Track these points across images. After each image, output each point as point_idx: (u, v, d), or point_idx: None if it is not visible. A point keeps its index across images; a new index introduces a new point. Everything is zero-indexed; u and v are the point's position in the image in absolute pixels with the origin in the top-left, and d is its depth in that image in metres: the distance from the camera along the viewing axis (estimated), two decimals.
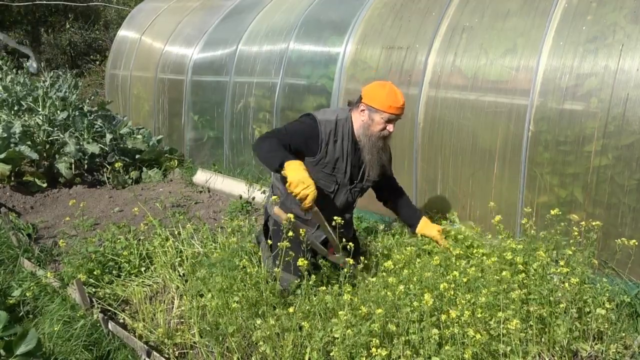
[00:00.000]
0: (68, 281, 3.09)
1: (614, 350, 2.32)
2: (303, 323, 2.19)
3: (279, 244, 2.37)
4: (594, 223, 2.67)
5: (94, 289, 3.09)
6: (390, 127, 2.61)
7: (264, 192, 4.57)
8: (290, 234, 2.36)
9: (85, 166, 5.90)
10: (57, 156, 5.57)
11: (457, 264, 2.65)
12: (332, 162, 2.64)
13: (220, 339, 2.41)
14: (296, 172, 2.33)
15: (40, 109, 5.79)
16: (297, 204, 2.44)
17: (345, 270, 2.39)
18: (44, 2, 13.65)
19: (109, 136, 5.84)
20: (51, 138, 5.61)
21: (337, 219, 2.47)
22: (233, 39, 5.90)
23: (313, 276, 2.40)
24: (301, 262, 2.27)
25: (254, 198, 4.75)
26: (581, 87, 3.23)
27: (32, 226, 4.26)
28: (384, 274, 2.55)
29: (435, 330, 2.06)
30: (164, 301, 2.98)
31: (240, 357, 2.38)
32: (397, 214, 3.11)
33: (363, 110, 2.62)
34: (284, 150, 2.46)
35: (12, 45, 12.38)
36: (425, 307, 2.10)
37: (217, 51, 6.07)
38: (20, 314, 3.02)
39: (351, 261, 2.46)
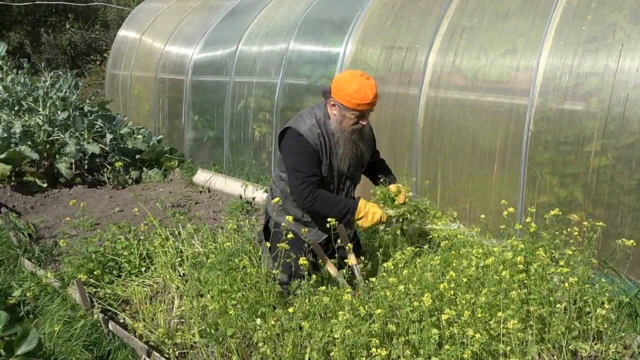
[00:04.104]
0: (68, 281, 3.10)
1: (614, 350, 2.32)
2: (303, 323, 2.19)
3: (278, 245, 2.37)
4: (593, 223, 2.67)
5: (94, 289, 3.09)
6: (363, 121, 2.54)
7: (265, 191, 4.58)
8: (290, 235, 2.36)
9: (86, 166, 5.91)
10: (57, 156, 5.57)
11: (457, 263, 2.65)
12: (327, 163, 2.62)
13: (220, 339, 2.41)
14: (370, 206, 2.59)
15: (40, 109, 5.80)
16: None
17: (345, 271, 2.39)
18: (44, 2, 13.65)
19: (109, 136, 5.84)
20: (51, 138, 5.61)
21: (350, 246, 2.51)
22: (233, 39, 5.90)
23: (313, 276, 2.40)
24: (302, 261, 2.27)
25: (254, 198, 4.75)
26: (581, 87, 3.23)
27: (33, 226, 4.26)
28: (384, 274, 2.55)
29: (435, 330, 2.06)
30: (164, 301, 2.98)
31: (241, 357, 2.38)
32: (372, 176, 2.93)
33: (334, 105, 2.53)
34: (335, 195, 2.62)
35: None
36: (424, 307, 2.10)
37: (217, 51, 6.07)
38: (21, 314, 3.02)
39: (352, 261, 2.46)
